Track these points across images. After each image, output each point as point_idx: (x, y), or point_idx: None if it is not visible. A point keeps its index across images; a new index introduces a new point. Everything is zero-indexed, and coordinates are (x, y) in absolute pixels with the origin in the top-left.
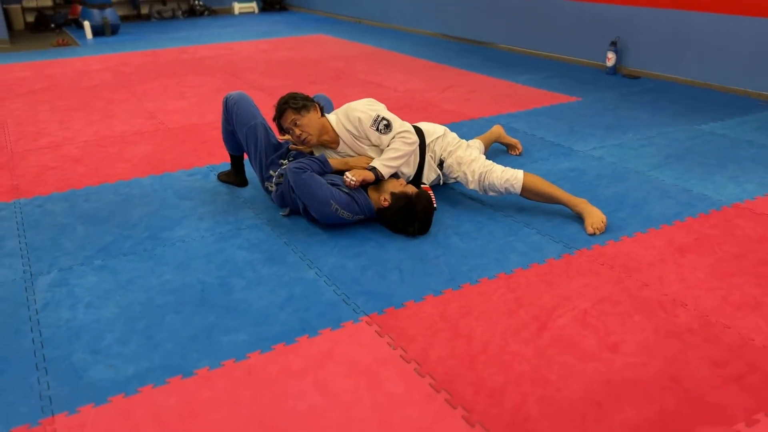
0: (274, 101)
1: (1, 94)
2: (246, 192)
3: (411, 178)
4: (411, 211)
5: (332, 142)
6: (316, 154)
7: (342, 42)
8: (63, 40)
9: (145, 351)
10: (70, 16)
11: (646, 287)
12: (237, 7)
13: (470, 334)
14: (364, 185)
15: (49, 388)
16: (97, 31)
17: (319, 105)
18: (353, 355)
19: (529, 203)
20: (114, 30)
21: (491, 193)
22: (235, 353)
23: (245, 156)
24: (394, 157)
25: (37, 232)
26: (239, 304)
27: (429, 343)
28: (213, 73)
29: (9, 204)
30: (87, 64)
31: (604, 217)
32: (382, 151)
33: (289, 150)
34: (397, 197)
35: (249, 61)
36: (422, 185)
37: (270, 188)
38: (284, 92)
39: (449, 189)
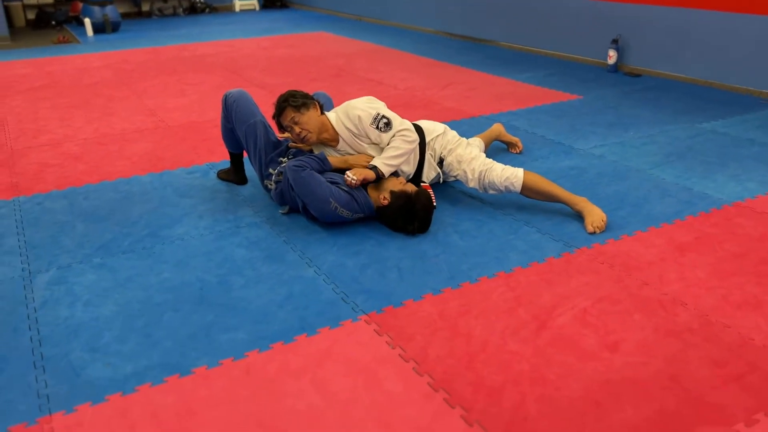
0: (275, 99)
1: (1, 91)
2: (245, 190)
3: (411, 177)
4: (410, 210)
5: (332, 140)
6: (316, 152)
7: (343, 39)
8: (64, 38)
9: (143, 349)
10: (70, 13)
11: (646, 286)
12: (238, 5)
13: (469, 333)
14: (364, 184)
15: (46, 387)
16: (98, 29)
17: (318, 103)
18: (352, 354)
19: (529, 201)
20: (115, 27)
21: (491, 192)
22: (234, 352)
23: (245, 154)
24: (394, 155)
25: (36, 230)
26: (238, 303)
27: (428, 342)
28: (214, 71)
29: (8, 201)
30: (88, 61)
31: (604, 216)
32: (381, 149)
33: (288, 148)
34: (397, 196)
35: (250, 58)
36: (422, 183)
37: (269, 186)
38: (285, 90)
39: (449, 187)
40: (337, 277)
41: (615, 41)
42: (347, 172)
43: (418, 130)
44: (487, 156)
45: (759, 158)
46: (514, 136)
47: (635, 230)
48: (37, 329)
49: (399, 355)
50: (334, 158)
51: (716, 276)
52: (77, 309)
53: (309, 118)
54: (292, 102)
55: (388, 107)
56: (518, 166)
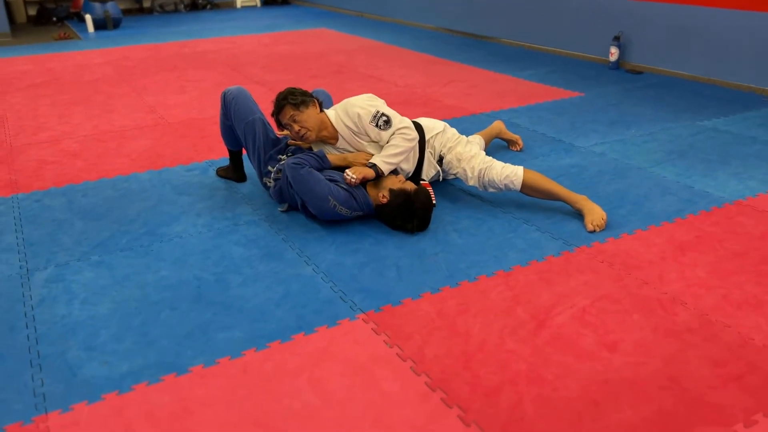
0: (275, 96)
1: (1, 87)
2: (244, 187)
3: (410, 174)
4: (409, 208)
5: (331, 137)
6: (315, 149)
7: (343, 36)
8: (65, 34)
9: (140, 348)
10: (71, 10)
11: (646, 285)
12: (239, 1)
13: (467, 333)
14: (363, 182)
15: (43, 385)
16: (99, 25)
17: (317, 100)
18: (349, 354)
19: (529, 200)
20: (116, 24)
21: (491, 190)
22: (231, 351)
23: (244, 151)
24: (394, 153)
25: (34, 228)
26: (235, 301)
27: (425, 341)
28: (214, 68)
29: (7, 199)
30: (88, 57)
31: (604, 214)
32: (381, 147)
33: (287, 145)
34: (396, 194)
35: (250, 55)
36: (421, 182)
37: (268, 184)
38: (285, 87)
39: (449, 185)
40: (336, 275)
41: (617, 38)
42: (347, 171)
43: (418, 127)
44: (487, 154)
45: (760, 156)
46: (515, 133)
47: (635, 229)
48: (34, 327)
49: (396, 354)
50: (333, 156)
51: (716, 275)
52: (74, 307)
53: (308, 116)
54: (291, 100)
55: (389, 104)
56: (518, 164)
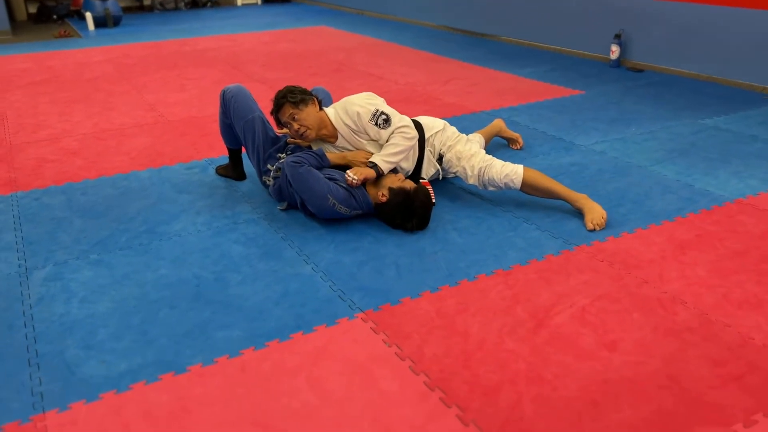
0: (275, 94)
1: (1, 85)
2: (244, 186)
3: (410, 173)
4: (409, 207)
5: (330, 136)
6: (314, 148)
7: (343, 34)
8: (65, 32)
9: (138, 347)
10: (72, 7)
11: (646, 284)
12: None
13: (466, 332)
14: (364, 182)
15: (41, 384)
16: (100, 23)
17: (317, 98)
18: (348, 353)
19: (528, 198)
20: (116, 21)
21: (491, 188)
22: (229, 349)
23: (243, 150)
24: (394, 152)
25: (33, 226)
26: (234, 300)
27: (424, 340)
28: (214, 65)
29: (6, 197)
30: (88, 55)
31: (604, 213)
32: (380, 145)
33: (286, 144)
34: (395, 192)
35: (250, 53)
36: (421, 180)
37: (267, 182)
38: (285, 85)
39: (449, 183)
40: (335, 274)
41: (618, 36)
42: (348, 172)
43: (418, 126)
44: (487, 152)
45: (761, 155)
46: (515, 131)
47: (635, 227)
48: (33, 326)
49: (395, 353)
50: (332, 154)
51: (717, 274)
52: (73, 306)
53: (307, 114)
54: (290, 98)
55: (389, 103)
56: (518, 163)
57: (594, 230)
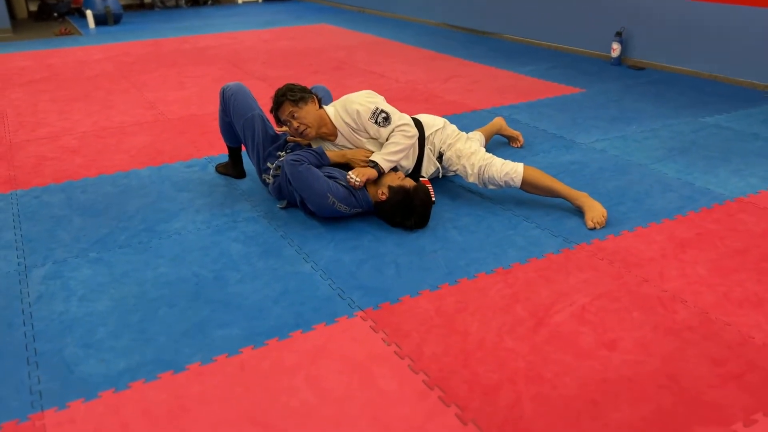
0: (275, 92)
1: (1, 83)
2: (244, 184)
3: (410, 171)
4: (408, 205)
5: (330, 134)
6: (314, 146)
7: (344, 31)
8: (65, 29)
9: (137, 345)
10: (72, 5)
11: (646, 283)
12: None
13: (465, 330)
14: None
15: (39, 383)
16: (100, 21)
17: (317, 97)
18: (347, 351)
19: (529, 196)
20: (116, 19)
21: (491, 187)
22: (228, 348)
23: (243, 148)
24: (394, 151)
25: (33, 224)
26: (233, 298)
27: (423, 339)
28: (214, 63)
29: (6, 195)
30: (88, 53)
31: (604, 211)
32: (380, 144)
33: (286, 142)
34: (395, 191)
35: (251, 50)
36: (421, 178)
37: (267, 180)
38: (285, 82)
39: (449, 182)
40: (334, 272)
41: (619, 34)
42: (349, 173)
43: (418, 124)
44: (487, 150)
45: (762, 153)
46: (516, 129)
47: (636, 226)
48: (32, 324)
49: (394, 352)
50: (332, 152)
51: (717, 273)
52: (72, 304)
53: (307, 112)
54: (290, 96)
55: (389, 100)
56: (519, 161)
57: (594, 229)
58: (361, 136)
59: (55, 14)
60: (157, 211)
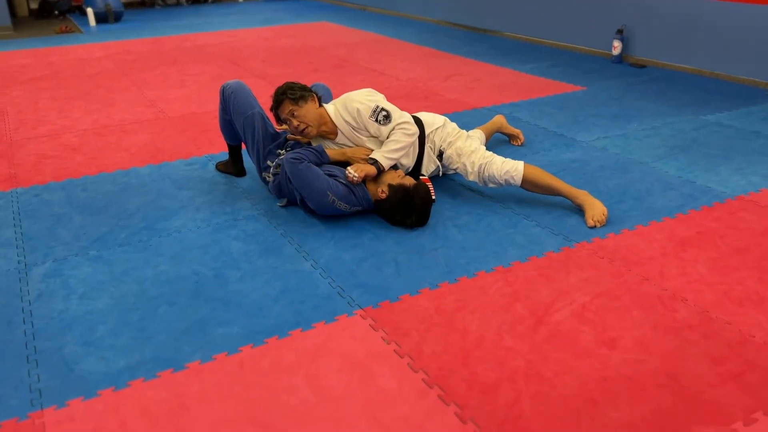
0: (274, 90)
1: (2, 81)
2: (244, 182)
3: (410, 170)
4: (408, 203)
5: (330, 132)
6: (314, 144)
7: (345, 29)
8: (66, 27)
9: (137, 343)
10: (73, 3)
11: (646, 282)
12: None
13: (465, 329)
14: (364, 179)
15: (39, 381)
16: (101, 18)
17: (317, 95)
18: (346, 350)
19: (529, 195)
20: (117, 17)
21: (491, 185)
22: (228, 346)
23: (243, 146)
24: (394, 149)
25: (33, 222)
26: (233, 296)
27: (423, 337)
28: (215, 61)
29: (6, 193)
30: (89, 51)
31: (605, 210)
32: (381, 142)
33: (286, 140)
34: (395, 189)
35: (251, 48)
36: (421, 177)
37: (267, 178)
38: (285, 80)
39: (449, 180)
40: (334, 270)
41: (620, 31)
42: (348, 169)
43: (418, 122)
44: (488, 148)
45: (764, 151)
46: (516, 127)
47: (636, 224)
48: (32, 322)
49: (394, 350)
50: (332, 150)
51: (718, 271)
52: (72, 302)
53: (307, 111)
54: (290, 95)
55: (389, 99)
56: (519, 159)
57: (594, 227)
58: (361, 134)
59: (56, 12)
60: (157, 209)
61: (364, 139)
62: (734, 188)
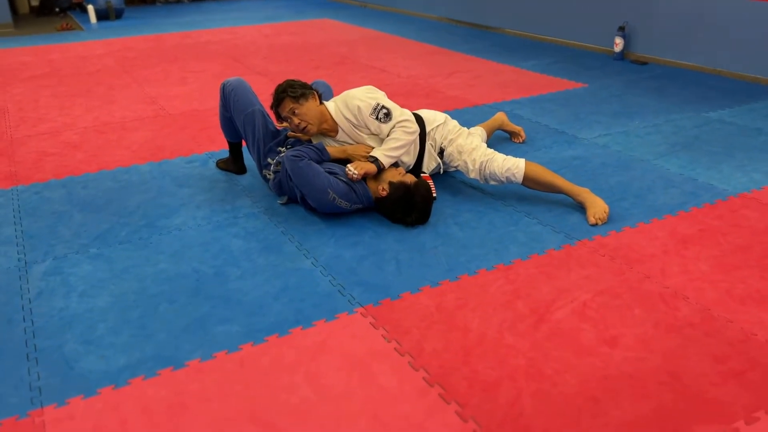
0: (275, 88)
1: (3, 79)
2: (244, 180)
3: (411, 167)
4: (409, 201)
5: (331, 130)
6: (315, 141)
7: (346, 26)
8: (67, 25)
9: (137, 341)
10: (74, 0)
11: (648, 279)
12: None
13: (466, 327)
14: (364, 176)
15: (39, 379)
16: (102, 15)
17: (317, 92)
18: (347, 348)
19: (530, 192)
20: (118, 14)
21: (492, 183)
22: (228, 344)
23: (243, 143)
24: (395, 147)
25: (33, 220)
26: (234, 294)
27: (424, 335)
28: (216, 58)
29: (7, 191)
30: (90, 49)
31: (606, 207)
32: (381, 140)
33: (287, 137)
34: (396, 186)
35: (252, 45)
36: (422, 174)
37: (268, 176)
38: (286, 78)
39: (450, 177)
40: (334, 268)
41: (621, 28)
42: (348, 166)
43: (419, 120)
44: (489, 145)
45: (766, 148)
46: (517, 125)
47: (638, 222)
48: (32, 320)
49: (394, 348)
50: (332, 148)
51: (720, 269)
52: (72, 300)
53: (308, 108)
54: (290, 92)
55: (390, 96)
56: (521, 156)
57: (596, 225)
58: (362, 132)
59: (57, 9)
60: (157, 207)
61: (365, 136)
62: (736, 186)
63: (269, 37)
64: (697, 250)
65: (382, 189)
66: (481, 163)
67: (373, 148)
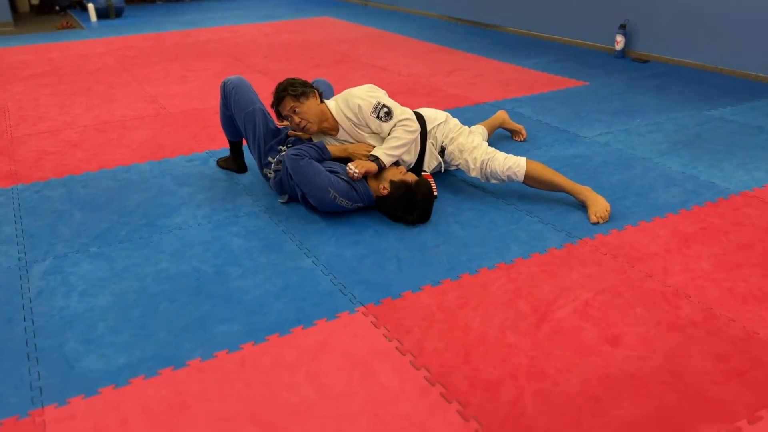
0: (276, 85)
1: (3, 77)
2: (245, 178)
3: (412, 166)
4: (410, 200)
5: (332, 129)
6: (315, 140)
7: (347, 25)
8: (67, 23)
9: (137, 341)
10: None
11: (649, 278)
12: None
13: (467, 326)
14: (365, 175)
15: (39, 379)
16: (102, 14)
17: (318, 91)
18: (348, 347)
19: (531, 191)
20: (118, 13)
21: (493, 181)
22: (229, 344)
23: (244, 142)
24: (396, 146)
25: (33, 219)
26: (234, 293)
27: (425, 334)
28: (216, 57)
29: (7, 190)
30: (90, 47)
31: (608, 206)
32: (382, 138)
33: (287, 136)
34: (397, 185)
35: (252, 44)
36: (423, 173)
37: (268, 175)
38: (287, 76)
39: (451, 176)
40: (335, 267)
41: (623, 26)
42: (349, 165)
43: (420, 118)
44: (490, 144)
45: (767, 146)
46: (519, 123)
47: (639, 220)
48: (32, 320)
49: (396, 348)
50: (333, 147)
51: (721, 268)
52: (73, 299)
53: (308, 107)
54: (291, 91)
55: (391, 94)
56: (522, 155)
57: (597, 223)
58: (362, 130)
59: (57, 8)
60: (158, 206)
61: (366, 135)
62: (738, 184)
63: (269, 35)
64: (699, 248)
65: (383, 188)
66: (483, 161)
67: (373, 146)
